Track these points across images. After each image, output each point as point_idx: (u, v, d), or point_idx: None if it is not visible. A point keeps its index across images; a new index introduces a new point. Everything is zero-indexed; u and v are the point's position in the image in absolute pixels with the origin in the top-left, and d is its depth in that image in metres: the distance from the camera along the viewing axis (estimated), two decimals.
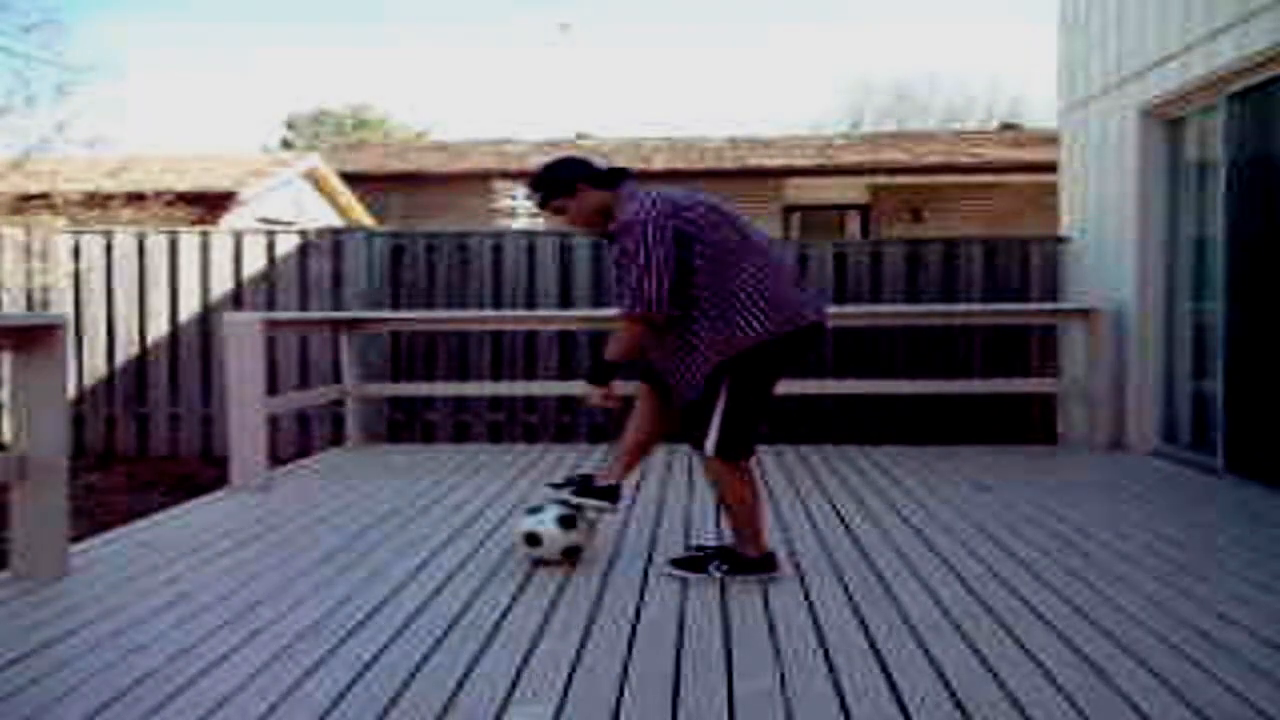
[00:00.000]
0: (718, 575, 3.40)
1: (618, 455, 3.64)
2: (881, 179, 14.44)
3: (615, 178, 3.46)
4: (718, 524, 4.25)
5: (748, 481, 3.43)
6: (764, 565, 3.43)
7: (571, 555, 3.59)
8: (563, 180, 3.43)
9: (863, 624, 2.96)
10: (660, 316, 3.27)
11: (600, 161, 3.60)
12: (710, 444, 3.35)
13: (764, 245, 3.39)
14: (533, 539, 3.57)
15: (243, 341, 5.28)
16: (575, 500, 3.58)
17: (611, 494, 3.60)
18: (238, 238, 7.73)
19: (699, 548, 3.71)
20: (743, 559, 3.43)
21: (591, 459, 6.26)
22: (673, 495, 5.02)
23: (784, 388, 6.50)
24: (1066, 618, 3.00)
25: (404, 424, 7.59)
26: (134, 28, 45.84)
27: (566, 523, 3.56)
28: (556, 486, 3.70)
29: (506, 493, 5.10)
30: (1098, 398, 6.49)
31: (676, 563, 3.53)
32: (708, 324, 3.29)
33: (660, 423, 3.63)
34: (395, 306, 7.58)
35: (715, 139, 16.62)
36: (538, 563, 3.61)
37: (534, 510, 3.64)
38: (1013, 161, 13.97)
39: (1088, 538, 4.03)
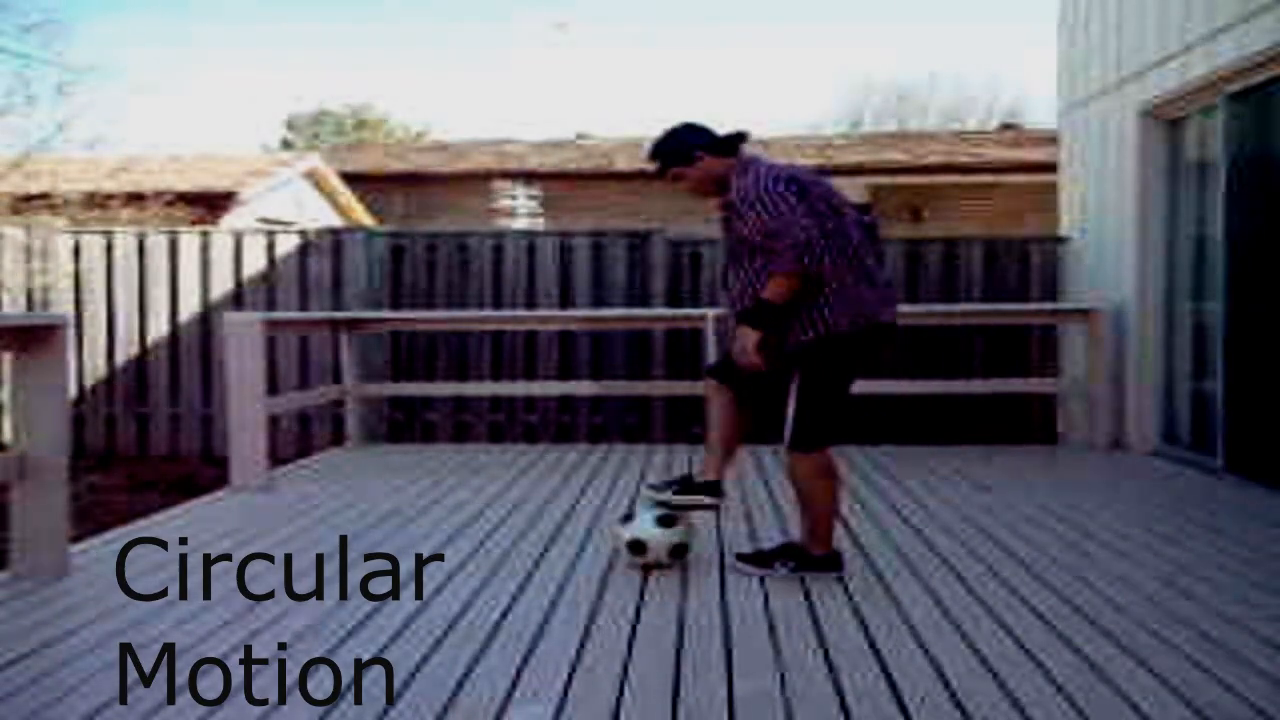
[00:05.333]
0: (784, 572, 3.43)
1: (711, 454, 3.57)
2: (882, 179, 14.42)
3: (732, 144, 3.43)
4: (718, 525, 4.25)
5: (831, 484, 3.45)
6: (831, 563, 3.46)
7: (679, 554, 3.52)
8: (683, 149, 3.41)
9: (863, 624, 2.96)
10: (816, 267, 3.20)
11: (719, 129, 3.50)
12: (786, 436, 3.39)
13: (849, 230, 3.35)
14: (638, 546, 3.49)
15: (243, 341, 5.29)
16: (677, 500, 3.50)
17: (713, 488, 3.52)
18: (238, 238, 7.73)
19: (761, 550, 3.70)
20: (810, 557, 3.46)
21: (591, 459, 6.27)
22: None
23: None
24: (1066, 618, 3.00)
25: (404, 424, 7.59)
26: (134, 28, 45.86)
27: (666, 522, 3.49)
28: (656, 488, 3.62)
29: (506, 493, 5.11)
30: (1098, 398, 6.49)
31: (743, 558, 3.57)
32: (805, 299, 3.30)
33: (739, 415, 3.57)
34: (395, 306, 7.57)
35: None
36: (647, 569, 3.52)
37: (628, 518, 3.58)
38: (1013, 161, 13.97)
39: (1088, 538, 4.04)
